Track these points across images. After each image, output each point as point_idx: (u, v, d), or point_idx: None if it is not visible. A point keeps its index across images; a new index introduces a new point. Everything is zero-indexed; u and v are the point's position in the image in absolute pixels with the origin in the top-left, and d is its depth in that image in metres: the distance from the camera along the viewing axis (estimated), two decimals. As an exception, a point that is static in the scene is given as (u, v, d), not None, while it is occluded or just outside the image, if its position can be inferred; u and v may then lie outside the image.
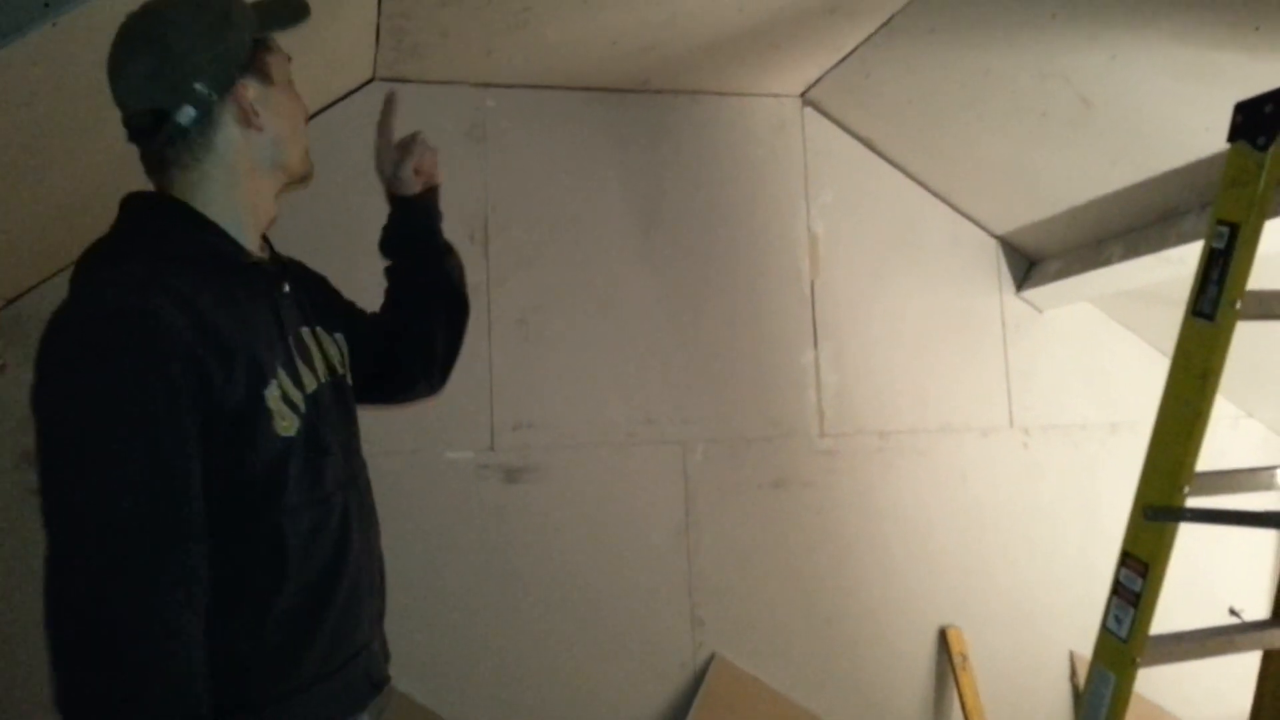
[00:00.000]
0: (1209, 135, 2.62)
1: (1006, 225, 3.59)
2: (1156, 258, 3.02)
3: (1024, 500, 3.57)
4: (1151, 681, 3.31)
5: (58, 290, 2.65)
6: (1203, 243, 1.87)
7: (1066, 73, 2.73)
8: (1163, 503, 1.83)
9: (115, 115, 1.45)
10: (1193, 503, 1.83)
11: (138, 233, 1.44)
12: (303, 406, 1.47)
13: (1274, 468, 2.05)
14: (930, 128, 3.30)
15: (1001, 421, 3.58)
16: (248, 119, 1.48)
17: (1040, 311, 3.67)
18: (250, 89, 1.47)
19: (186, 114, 1.42)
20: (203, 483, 1.31)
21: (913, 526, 3.46)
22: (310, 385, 1.51)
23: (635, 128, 3.37)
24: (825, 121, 3.53)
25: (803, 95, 3.50)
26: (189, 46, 1.41)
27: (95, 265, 1.41)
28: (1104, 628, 1.93)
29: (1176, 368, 1.86)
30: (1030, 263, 3.67)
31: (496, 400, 3.15)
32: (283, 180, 1.59)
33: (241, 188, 1.50)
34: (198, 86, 1.41)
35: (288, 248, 1.67)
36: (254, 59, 1.49)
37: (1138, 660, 1.85)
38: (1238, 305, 1.78)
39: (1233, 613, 3.13)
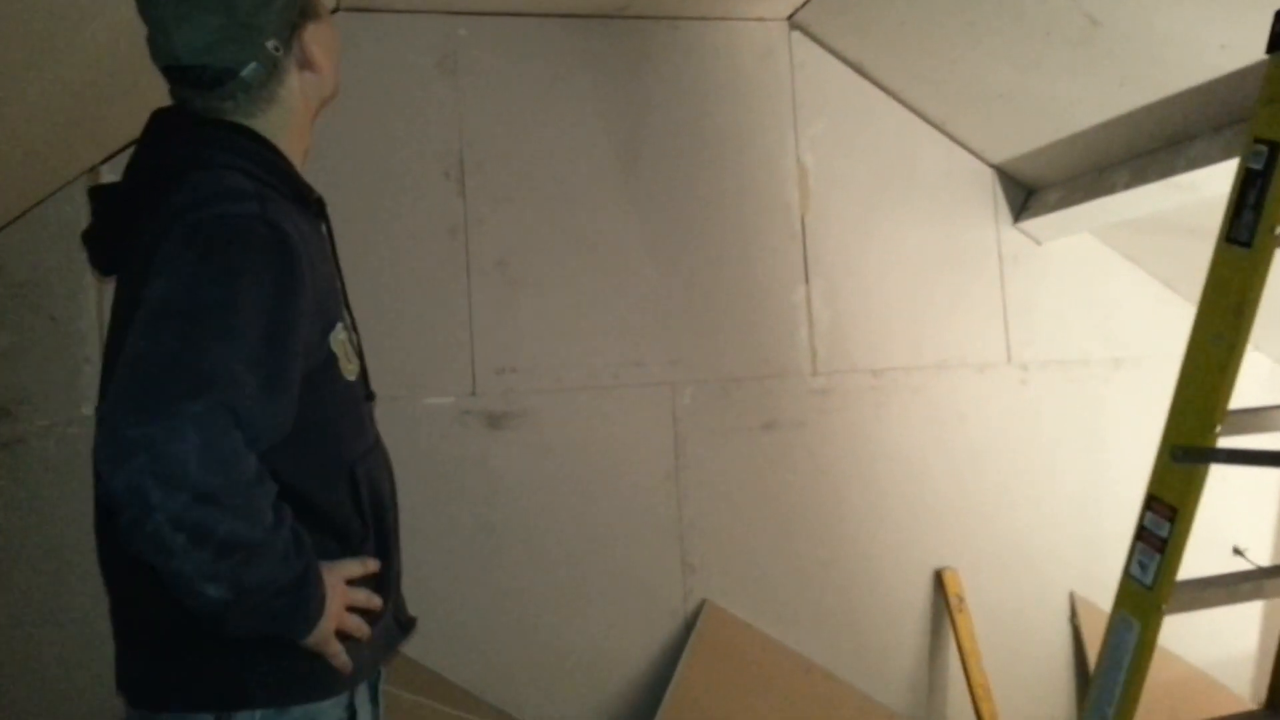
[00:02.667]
0: (1225, 53, 2.50)
1: (1004, 153, 3.47)
2: (1164, 184, 2.89)
3: (1022, 438, 3.49)
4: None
5: (35, 225, 2.53)
6: (1236, 162, 1.75)
7: (1073, -12, 2.60)
8: (1192, 443, 1.73)
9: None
10: (1223, 443, 1.73)
11: (234, 152, 1.38)
12: (359, 349, 1.50)
13: (1307, 402, 1.95)
14: (925, 51, 3.17)
15: (999, 357, 3.49)
16: (306, 63, 1.47)
17: (1039, 243, 3.57)
18: (306, 31, 1.46)
19: (254, 71, 1.39)
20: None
21: (908, 466, 3.40)
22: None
23: (614, 56, 3.23)
24: (814, 46, 3.40)
25: (790, 18, 3.36)
26: (257, 2, 1.37)
27: (201, 168, 1.34)
28: (1126, 573, 1.85)
29: (1208, 299, 1.76)
30: (1028, 192, 3.56)
31: (478, 344, 3.05)
32: (321, 108, 1.57)
33: (298, 128, 1.50)
34: (269, 44, 1.39)
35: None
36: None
37: (1164, 607, 1.78)
38: (1278, 231, 1.67)
39: (1237, 551, 3.06)
